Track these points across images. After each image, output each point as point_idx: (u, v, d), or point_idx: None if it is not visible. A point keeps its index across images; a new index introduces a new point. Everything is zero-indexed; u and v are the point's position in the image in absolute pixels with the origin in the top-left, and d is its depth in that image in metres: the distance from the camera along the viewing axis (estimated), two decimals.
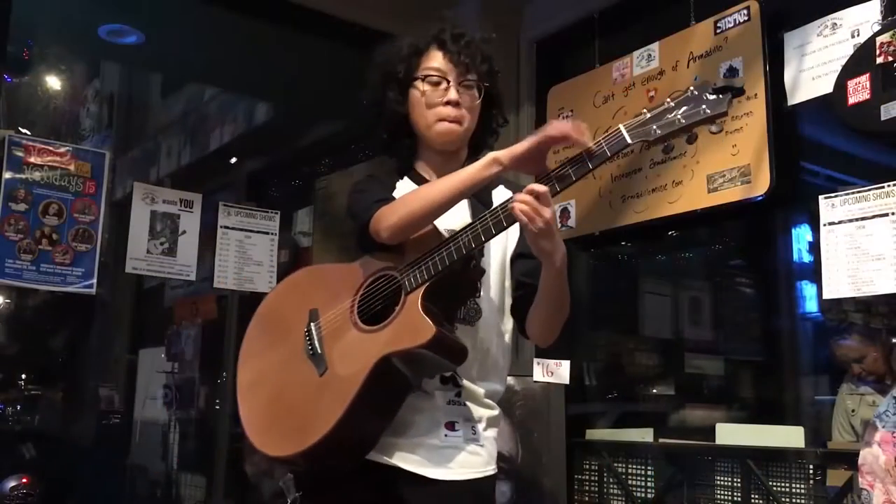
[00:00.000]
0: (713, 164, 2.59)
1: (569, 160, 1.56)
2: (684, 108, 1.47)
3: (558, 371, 2.75)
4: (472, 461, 1.65)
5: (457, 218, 1.67)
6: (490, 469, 1.69)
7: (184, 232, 2.87)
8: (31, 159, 2.59)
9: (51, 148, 2.63)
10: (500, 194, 1.76)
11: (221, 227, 2.98)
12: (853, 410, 2.70)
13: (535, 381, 2.78)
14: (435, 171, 1.77)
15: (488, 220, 1.55)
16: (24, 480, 2.79)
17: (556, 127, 1.55)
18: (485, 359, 1.71)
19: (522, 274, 1.73)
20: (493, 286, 1.73)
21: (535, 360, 2.82)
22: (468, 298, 1.68)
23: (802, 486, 2.29)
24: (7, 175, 2.55)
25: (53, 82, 3.93)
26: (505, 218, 1.54)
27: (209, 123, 4.34)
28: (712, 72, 2.65)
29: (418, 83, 1.72)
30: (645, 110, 1.50)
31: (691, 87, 1.49)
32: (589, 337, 3.43)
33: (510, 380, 2.80)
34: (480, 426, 1.69)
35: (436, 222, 1.63)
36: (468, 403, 1.68)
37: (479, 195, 1.69)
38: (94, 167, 2.70)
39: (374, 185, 1.79)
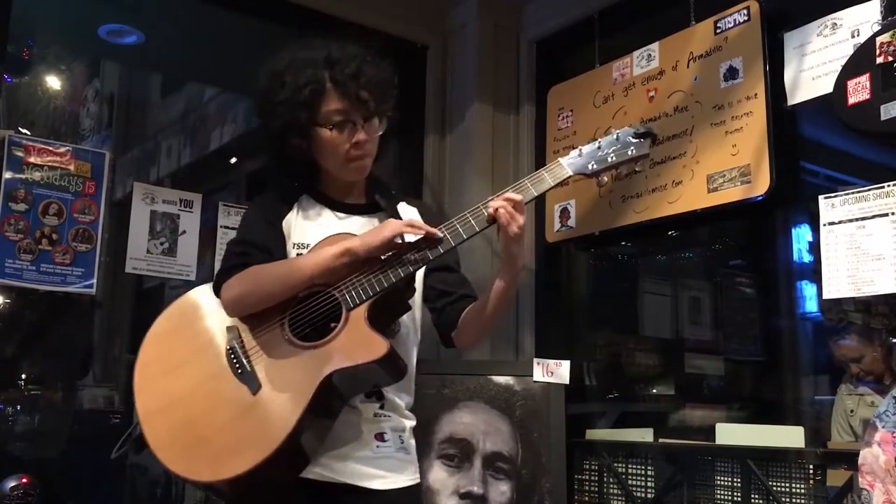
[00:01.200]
0: (713, 164, 2.59)
1: (510, 186, 1.68)
2: (613, 147, 1.69)
3: (558, 371, 2.76)
4: (404, 468, 1.71)
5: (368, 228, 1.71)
6: (417, 477, 1.75)
7: (184, 232, 2.87)
8: (31, 159, 2.59)
9: (51, 148, 2.63)
10: (403, 210, 1.82)
11: (221, 227, 2.98)
12: (852, 411, 2.70)
13: (535, 381, 2.79)
14: (338, 192, 1.80)
15: (446, 233, 1.62)
16: (24, 480, 2.78)
17: (402, 226, 1.64)
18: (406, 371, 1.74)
19: (446, 284, 1.79)
20: (414, 300, 1.76)
21: (535, 360, 2.82)
22: (401, 316, 1.72)
23: (802, 486, 2.29)
24: (7, 175, 2.55)
25: (53, 82, 3.92)
26: (477, 223, 1.63)
27: (209, 123, 4.34)
28: (712, 72, 2.65)
29: (323, 128, 1.70)
30: (579, 148, 1.72)
31: (616, 131, 1.70)
32: (589, 337, 3.43)
33: (511, 380, 2.81)
34: (406, 435, 1.75)
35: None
36: (392, 415, 1.72)
37: (389, 210, 1.77)
38: (94, 167, 2.70)
39: (251, 232, 1.78)
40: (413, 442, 1.78)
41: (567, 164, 1.69)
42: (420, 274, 1.76)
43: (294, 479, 1.61)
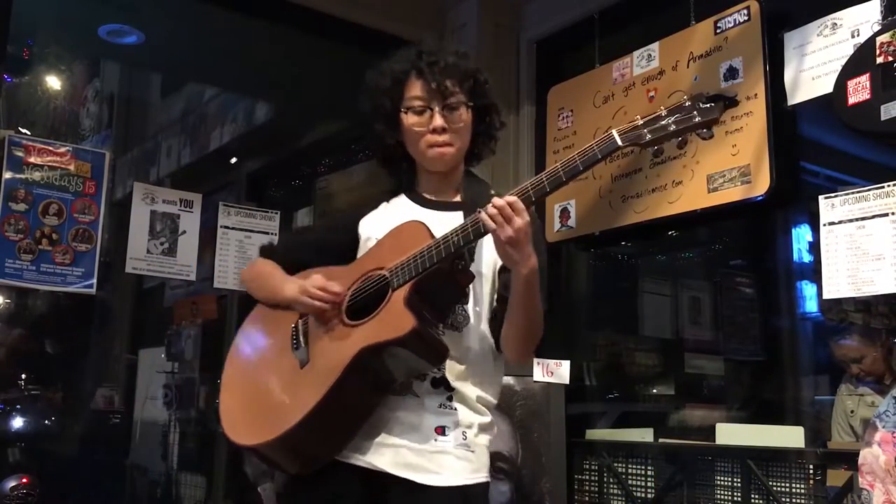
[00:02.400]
0: (713, 164, 2.60)
1: (560, 163, 1.56)
2: (676, 115, 1.52)
3: (558, 371, 2.75)
4: (462, 467, 1.64)
5: (445, 226, 1.66)
6: (481, 476, 1.68)
7: (184, 232, 2.87)
8: (31, 159, 2.59)
9: (51, 148, 2.63)
10: None
11: (221, 227, 2.98)
12: (852, 411, 2.70)
13: (535, 381, 2.78)
14: (432, 190, 1.82)
15: (478, 223, 1.56)
16: (24, 480, 2.79)
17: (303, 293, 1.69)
18: (476, 365, 1.70)
19: (503, 286, 1.71)
20: (484, 294, 1.72)
21: (535, 360, 2.82)
22: (456, 302, 1.68)
23: (802, 486, 2.29)
24: (7, 175, 2.55)
25: (53, 82, 3.93)
26: (474, 233, 1.56)
27: (209, 123, 4.34)
28: (712, 72, 2.65)
29: (404, 114, 1.75)
30: (638, 117, 1.54)
31: (685, 97, 1.53)
32: (589, 337, 3.43)
33: (510, 380, 2.81)
34: (472, 432, 1.67)
35: (429, 226, 1.64)
36: (459, 408, 1.66)
37: (473, 206, 1.68)
38: (94, 167, 2.70)
39: (314, 228, 1.89)
40: (483, 440, 1.69)
41: (619, 134, 1.53)
42: (495, 269, 1.72)
43: (330, 456, 1.62)
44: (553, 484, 2.70)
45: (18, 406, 3.71)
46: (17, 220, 2.55)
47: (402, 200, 1.84)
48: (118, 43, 3.54)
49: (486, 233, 1.55)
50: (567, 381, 2.76)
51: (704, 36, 2.70)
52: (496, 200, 1.53)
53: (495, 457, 2.70)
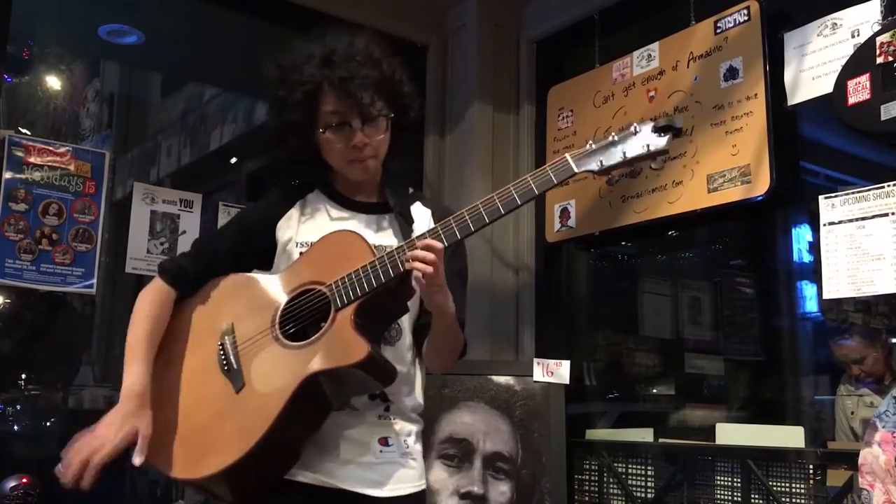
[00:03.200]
0: (713, 164, 2.59)
1: (512, 183, 1.57)
2: (628, 141, 1.52)
3: (558, 371, 2.76)
4: (408, 475, 1.66)
5: (380, 235, 1.68)
6: (422, 483, 1.70)
7: (184, 232, 2.87)
8: (31, 159, 2.59)
9: (51, 148, 2.63)
10: (417, 210, 1.77)
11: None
12: (852, 412, 2.70)
13: (535, 381, 2.79)
14: (351, 189, 1.76)
15: (428, 236, 1.55)
16: (24, 480, 2.78)
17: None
18: (408, 375, 1.70)
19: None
20: (413, 306, 1.71)
21: (535, 360, 2.82)
22: (399, 317, 1.66)
23: (802, 486, 2.29)
24: (7, 175, 2.55)
25: (53, 82, 3.92)
26: (392, 268, 1.53)
27: (209, 123, 4.34)
28: (712, 72, 2.65)
29: (321, 131, 1.66)
30: (591, 142, 1.55)
31: (635, 124, 1.54)
32: (589, 337, 3.43)
33: (511, 380, 2.81)
34: (411, 440, 1.69)
35: (365, 237, 1.61)
36: (397, 418, 1.67)
37: (401, 211, 1.70)
38: (94, 167, 2.70)
39: (221, 235, 1.81)
40: (419, 447, 1.72)
41: (574, 160, 1.54)
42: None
43: (278, 479, 1.57)
44: (553, 484, 2.70)
45: (18, 406, 3.71)
46: (17, 220, 2.54)
47: (320, 199, 1.76)
48: (118, 43, 3.54)
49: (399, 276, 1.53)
50: (567, 381, 2.76)
51: (704, 36, 2.70)
52: (424, 243, 1.52)
53: (495, 457, 2.70)
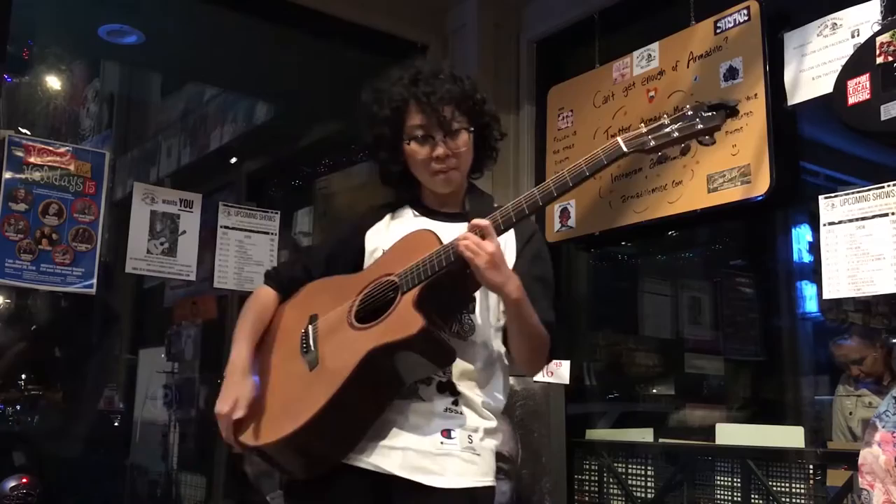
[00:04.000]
0: (713, 164, 2.60)
1: (550, 178, 1.68)
2: (679, 122, 1.59)
3: (558, 371, 2.76)
4: (468, 470, 1.64)
5: (453, 235, 1.70)
6: (488, 480, 1.68)
7: (184, 232, 2.87)
8: (31, 159, 2.59)
9: (51, 148, 2.63)
10: None
11: (221, 227, 2.98)
12: (850, 412, 2.70)
13: (535, 381, 2.78)
14: (437, 203, 1.86)
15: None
16: (24, 480, 2.78)
17: None
18: (481, 371, 1.71)
19: None
20: (490, 303, 1.75)
21: None
22: (464, 307, 1.70)
23: (802, 486, 2.29)
24: (7, 175, 2.55)
25: (53, 82, 3.93)
26: (447, 259, 1.61)
27: (209, 123, 4.34)
28: (712, 72, 2.65)
29: (406, 143, 1.78)
30: (642, 125, 1.61)
31: (687, 106, 1.59)
32: (589, 337, 3.43)
33: (511, 380, 2.80)
34: (477, 436, 1.68)
35: (436, 233, 1.70)
36: (465, 412, 1.68)
37: (479, 215, 1.73)
38: (94, 167, 2.70)
39: (320, 248, 1.97)
40: (489, 444, 1.70)
41: (624, 141, 1.61)
42: None
43: (339, 457, 1.63)
44: (553, 484, 2.70)
45: (18, 406, 3.71)
46: (17, 220, 2.54)
47: (407, 213, 1.87)
48: (118, 43, 3.54)
49: (459, 260, 1.59)
50: (567, 381, 2.76)
51: (704, 36, 2.70)
52: (473, 222, 1.60)
53: (495, 457, 2.70)
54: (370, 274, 1.74)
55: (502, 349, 1.77)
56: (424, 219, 1.84)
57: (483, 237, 1.58)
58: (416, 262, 1.63)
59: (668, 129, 1.59)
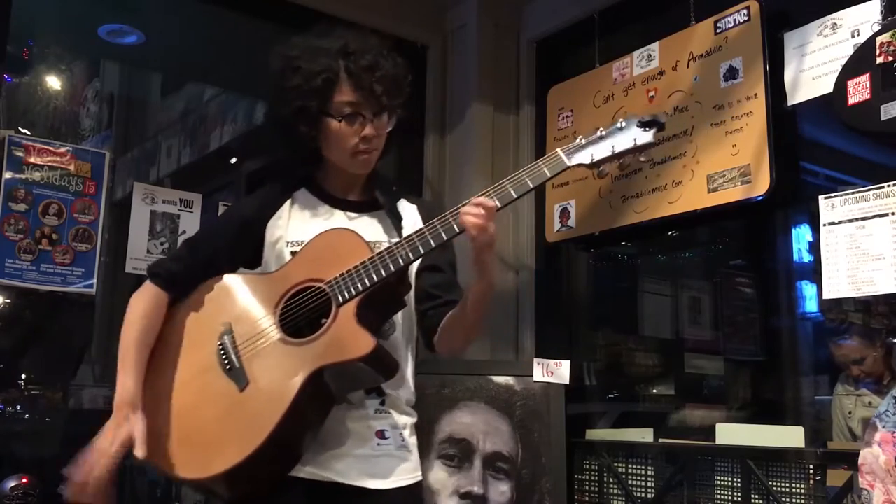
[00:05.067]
0: (713, 164, 2.59)
1: (507, 178, 1.61)
2: (616, 136, 1.58)
3: (558, 371, 2.76)
4: (405, 468, 1.68)
5: (370, 231, 1.69)
6: (419, 475, 1.72)
7: (184, 232, 2.87)
8: (31, 159, 2.59)
9: (51, 148, 2.63)
10: (403, 207, 1.79)
11: None
12: (850, 412, 2.70)
13: (535, 381, 2.79)
14: (340, 187, 1.79)
15: (427, 233, 1.57)
16: (24, 480, 2.78)
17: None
18: (402, 370, 1.71)
19: (433, 286, 1.75)
20: (409, 299, 1.74)
21: (535, 360, 2.82)
22: (395, 313, 1.69)
23: (802, 486, 2.29)
24: (7, 175, 2.55)
25: (53, 82, 3.92)
26: (445, 231, 1.57)
27: (209, 123, 4.34)
28: (712, 72, 2.65)
29: (332, 119, 1.68)
30: (581, 137, 1.61)
31: (620, 119, 1.60)
32: (589, 337, 3.43)
33: (510, 380, 2.81)
34: (406, 433, 1.72)
35: (361, 234, 1.64)
36: (392, 412, 1.70)
37: (389, 207, 1.74)
38: (94, 167, 2.70)
39: (207, 237, 1.81)
40: (414, 439, 1.74)
41: (565, 154, 1.60)
42: (412, 273, 1.74)
43: (283, 476, 1.59)
44: (553, 484, 2.70)
45: (18, 406, 3.71)
46: (17, 220, 2.55)
47: (309, 198, 1.78)
48: (118, 43, 3.54)
49: (445, 241, 1.57)
50: (567, 381, 2.76)
51: (704, 36, 2.70)
52: (477, 201, 1.56)
53: (495, 457, 2.70)
54: (287, 277, 1.65)
55: (413, 344, 1.77)
56: (331, 209, 1.75)
57: (487, 218, 1.55)
58: (349, 269, 1.57)
59: (605, 144, 1.58)
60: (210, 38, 3.54)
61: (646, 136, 1.57)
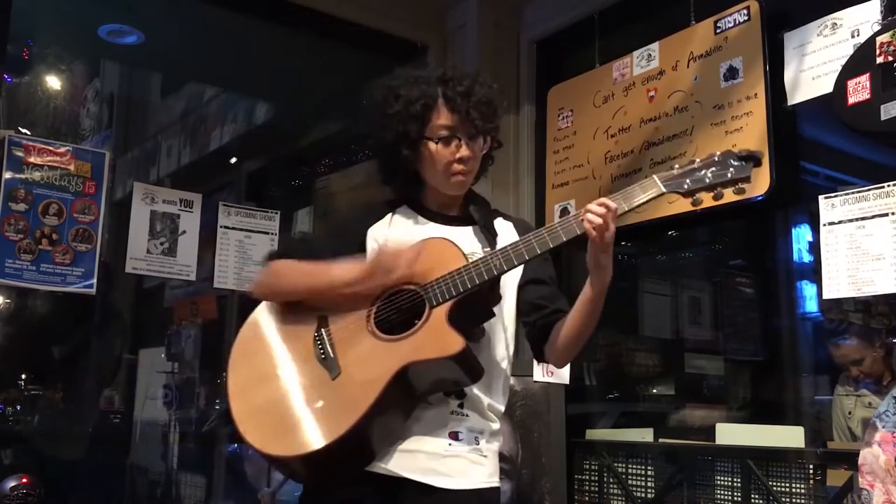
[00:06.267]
0: None
1: (619, 192, 1.74)
2: (712, 168, 1.68)
3: (558, 371, 2.76)
4: (475, 471, 1.68)
5: (465, 243, 1.73)
6: (494, 481, 1.71)
7: (184, 232, 2.87)
8: (31, 159, 2.59)
9: (51, 148, 2.63)
10: (499, 224, 1.87)
11: (221, 227, 2.98)
12: (850, 412, 2.70)
13: (535, 381, 2.78)
14: (438, 204, 1.85)
15: (521, 246, 1.64)
16: (24, 480, 2.78)
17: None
18: (488, 375, 1.73)
19: (539, 297, 1.81)
20: (503, 310, 1.78)
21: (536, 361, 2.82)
22: (485, 321, 1.72)
23: (802, 486, 2.29)
24: (7, 175, 2.55)
25: (53, 82, 3.93)
26: (566, 232, 1.66)
27: (209, 123, 4.34)
28: (712, 72, 2.65)
29: (430, 142, 1.76)
30: (676, 166, 1.70)
31: (717, 153, 1.68)
32: (589, 337, 3.42)
33: (511, 380, 2.80)
34: (483, 438, 1.72)
35: (457, 245, 1.70)
36: (471, 415, 1.71)
37: (485, 224, 1.82)
38: (94, 167, 2.70)
39: (319, 235, 1.86)
40: (494, 446, 1.74)
41: (661, 181, 1.70)
42: (514, 287, 1.79)
43: (361, 468, 1.63)
44: (553, 484, 2.70)
45: (18, 406, 3.72)
46: (17, 220, 2.55)
47: (409, 213, 1.86)
48: (118, 43, 3.55)
49: (581, 234, 1.65)
50: (567, 381, 2.76)
51: (704, 36, 2.70)
52: (601, 201, 1.66)
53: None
54: None
55: (507, 359, 1.80)
56: (431, 223, 1.83)
57: (609, 219, 1.64)
58: (445, 274, 1.64)
59: (701, 174, 1.68)
60: (210, 38, 3.54)
61: (742, 171, 1.67)
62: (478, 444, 1.70)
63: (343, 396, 1.60)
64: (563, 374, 2.75)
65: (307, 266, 1.74)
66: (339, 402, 1.60)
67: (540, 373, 2.78)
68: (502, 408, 1.79)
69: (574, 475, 2.86)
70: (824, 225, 2.28)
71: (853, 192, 2.23)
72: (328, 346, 1.68)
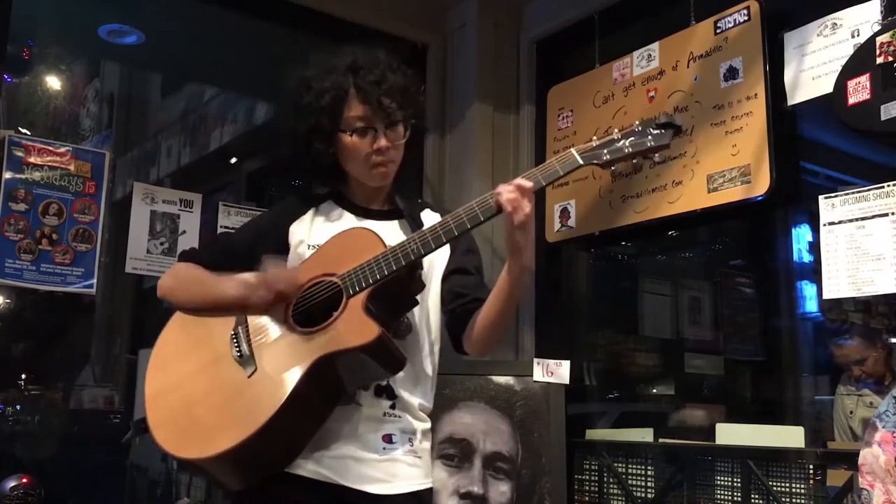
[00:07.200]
0: (713, 164, 2.60)
1: (536, 167, 1.64)
2: (631, 138, 1.60)
3: (558, 371, 2.76)
4: (412, 473, 1.66)
5: (390, 235, 1.70)
6: (428, 482, 1.70)
7: (184, 232, 2.87)
8: (31, 159, 2.60)
9: (51, 148, 2.64)
10: (427, 216, 1.82)
11: (221, 227, 2.98)
12: (851, 412, 2.70)
13: (535, 381, 2.79)
14: (363, 198, 1.82)
15: (439, 230, 1.59)
16: (24, 480, 2.78)
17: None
18: (416, 372, 1.71)
19: (461, 286, 1.76)
20: (429, 303, 1.75)
21: (535, 360, 2.82)
22: (408, 311, 1.69)
23: (802, 486, 2.29)
24: (7, 175, 2.55)
25: (53, 82, 3.92)
26: (483, 212, 1.58)
27: (209, 123, 4.34)
28: (712, 72, 2.65)
29: (345, 134, 1.72)
30: (594, 138, 1.63)
31: (637, 123, 1.62)
32: (589, 337, 3.43)
33: (510, 380, 2.81)
34: (417, 438, 1.70)
35: (376, 233, 1.66)
36: (403, 416, 1.69)
37: (412, 216, 1.77)
38: (94, 167, 2.70)
39: (236, 235, 1.90)
40: (426, 445, 1.73)
41: (579, 153, 1.61)
42: (437, 278, 1.76)
43: (281, 468, 1.59)
44: (553, 484, 2.70)
45: (18, 406, 3.71)
46: (17, 220, 2.55)
47: (332, 207, 1.82)
48: (118, 43, 3.54)
49: (498, 213, 1.59)
50: (567, 381, 2.76)
51: (704, 36, 2.70)
52: (514, 182, 1.58)
53: (495, 457, 2.71)
54: (304, 272, 1.68)
55: (436, 352, 1.77)
56: (354, 217, 1.79)
57: (523, 197, 1.56)
58: (361, 263, 1.59)
59: (619, 144, 1.60)
60: (210, 38, 3.54)
61: (661, 139, 1.59)
62: (412, 444, 1.68)
63: (257, 394, 1.56)
64: (563, 374, 2.76)
65: (203, 276, 1.71)
66: (253, 400, 1.55)
67: (540, 373, 2.78)
68: (431, 405, 1.76)
69: (574, 475, 2.86)
70: (824, 225, 2.28)
71: (853, 192, 2.23)
72: (244, 344, 1.64)
